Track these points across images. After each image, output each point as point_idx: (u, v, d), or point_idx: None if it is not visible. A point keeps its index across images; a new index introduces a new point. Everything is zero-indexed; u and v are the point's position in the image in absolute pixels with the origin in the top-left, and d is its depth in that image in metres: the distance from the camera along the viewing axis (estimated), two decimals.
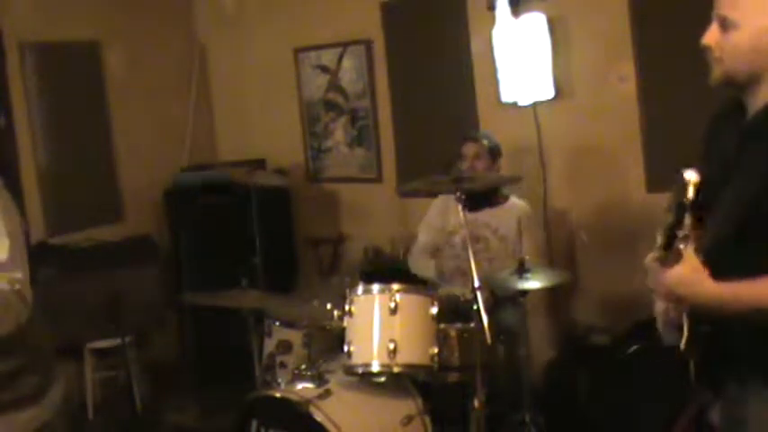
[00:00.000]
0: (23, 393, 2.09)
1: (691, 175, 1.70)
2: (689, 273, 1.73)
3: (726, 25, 1.82)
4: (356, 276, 4.68)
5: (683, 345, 1.84)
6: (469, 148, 3.92)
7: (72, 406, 4.75)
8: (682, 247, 1.73)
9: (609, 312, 4.34)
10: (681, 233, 1.72)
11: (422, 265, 4.09)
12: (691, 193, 1.69)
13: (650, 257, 1.88)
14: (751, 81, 1.84)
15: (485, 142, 3.95)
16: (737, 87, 1.87)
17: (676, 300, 1.80)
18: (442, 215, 4.07)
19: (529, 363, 3.68)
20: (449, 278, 3.98)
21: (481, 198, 3.88)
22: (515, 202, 4.01)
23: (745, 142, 1.84)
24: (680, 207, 1.71)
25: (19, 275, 2.02)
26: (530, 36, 4.24)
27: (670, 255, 1.75)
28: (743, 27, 1.80)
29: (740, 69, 1.83)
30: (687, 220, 1.71)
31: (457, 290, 3.55)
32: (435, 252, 4.08)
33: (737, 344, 1.82)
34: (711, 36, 1.86)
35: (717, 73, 1.87)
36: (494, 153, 3.96)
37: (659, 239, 1.79)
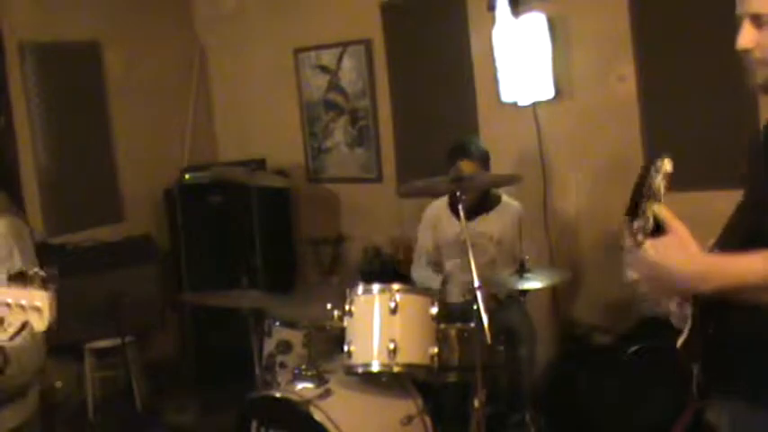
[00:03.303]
0: (11, 394, 2.13)
1: (665, 165, 1.61)
2: (679, 239, 1.60)
3: (761, 21, 1.65)
4: (356, 276, 4.69)
5: (679, 343, 1.76)
6: (467, 167, 3.77)
7: (72, 406, 4.77)
8: (660, 214, 1.60)
9: (609, 312, 4.33)
10: (638, 222, 1.63)
11: (424, 277, 4.02)
12: (659, 182, 1.60)
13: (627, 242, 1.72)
14: None
15: (474, 154, 3.84)
16: None
17: (658, 274, 1.63)
18: (434, 228, 4.05)
19: (530, 363, 3.68)
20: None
21: (475, 205, 3.86)
22: (508, 204, 3.99)
23: None
24: (639, 194, 1.62)
25: None
26: (530, 36, 4.24)
27: (645, 224, 1.63)
28: None
29: None
30: (647, 209, 1.61)
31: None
32: (436, 265, 4.05)
33: (740, 354, 1.71)
34: (748, 37, 1.67)
35: (762, 76, 1.68)
36: (484, 160, 3.89)
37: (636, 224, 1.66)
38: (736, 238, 1.70)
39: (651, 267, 1.63)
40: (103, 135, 5.37)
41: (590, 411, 3.71)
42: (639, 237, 1.62)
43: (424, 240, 4.10)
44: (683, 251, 1.60)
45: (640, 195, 1.63)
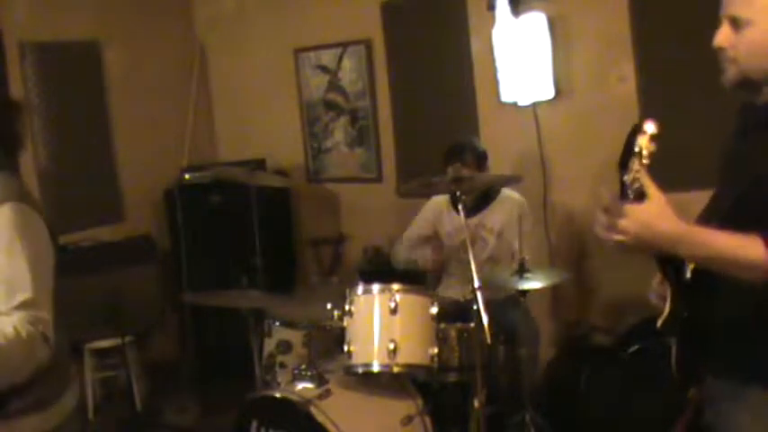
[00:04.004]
0: (32, 402, 2.04)
1: (650, 126, 1.74)
2: (658, 202, 1.72)
3: (738, 24, 1.78)
4: (356, 276, 4.69)
5: (659, 323, 1.87)
6: (460, 171, 3.69)
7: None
8: (643, 184, 1.72)
9: (610, 312, 4.34)
10: (628, 176, 1.74)
11: (402, 251, 4.12)
12: (644, 141, 1.73)
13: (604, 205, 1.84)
14: (765, 79, 1.80)
15: (468, 157, 3.83)
16: (752, 88, 1.82)
17: (639, 232, 1.73)
18: (434, 220, 4.07)
19: (530, 363, 3.68)
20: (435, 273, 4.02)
21: (475, 202, 3.88)
22: (508, 195, 4.00)
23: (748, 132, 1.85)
24: (629, 151, 1.74)
25: (44, 315, 1.95)
26: (530, 36, 4.24)
27: (630, 194, 1.75)
28: (757, 23, 1.76)
29: (757, 68, 1.79)
30: (634, 165, 1.73)
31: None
32: (421, 245, 4.10)
33: (715, 337, 1.83)
34: (724, 37, 1.81)
35: (731, 74, 1.82)
36: (480, 161, 3.88)
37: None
38: (717, 214, 1.83)
39: (633, 225, 1.74)
40: (103, 135, 5.37)
41: (590, 411, 3.71)
42: (628, 191, 1.75)
43: (418, 226, 4.14)
44: (663, 214, 1.72)
45: (629, 153, 1.74)
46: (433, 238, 4.08)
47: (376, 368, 2.97)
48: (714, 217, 1.82)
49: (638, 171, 1.72)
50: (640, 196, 1.73)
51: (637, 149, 1.72)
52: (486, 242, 3.93)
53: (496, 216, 3.94)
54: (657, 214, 1.71)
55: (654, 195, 1.72)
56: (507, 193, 4.00)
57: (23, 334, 1.89)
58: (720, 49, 1.83)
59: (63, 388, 2.14)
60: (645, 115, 4.07)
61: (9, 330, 1.88)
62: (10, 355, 1.88)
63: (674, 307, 1.86)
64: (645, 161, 1.72)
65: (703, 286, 1.81)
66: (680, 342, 1.90)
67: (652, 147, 1.73)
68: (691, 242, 1.71)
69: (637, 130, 1.74)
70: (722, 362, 1.84)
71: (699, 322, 1.84)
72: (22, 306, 1.92)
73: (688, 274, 1.84)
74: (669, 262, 1.85)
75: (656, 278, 1.95)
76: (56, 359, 2.05)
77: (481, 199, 3.94)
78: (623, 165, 1.75)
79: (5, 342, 1.87)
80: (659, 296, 1.92)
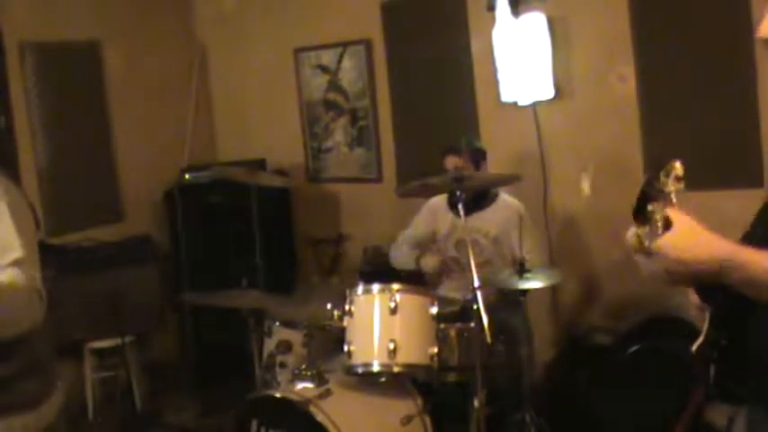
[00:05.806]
0: (22, 398, 2.05)
1: (678, 167, 1.54)
2: (686, 230, 1.52)
3: None
4: (356, 276, 4.69)
5: (694, 347, 1.72)
6: (450, 162, 3.86)
7: (72, 406, 4.76)
8: (667, 212, 1.53)
9: (610, 312, 4.34)
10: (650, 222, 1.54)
11: (402, 254, 4.10)
12: (672, 184, 1.53)
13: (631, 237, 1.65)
14: None
15: (463, 149, 3.89)
16: None
17: (680, 267, 1.53)
18: (432, 221, 4.07)
19: (529, 363, 3.68)
20: (438, 278, 4.01)
21: (471, 202, 3.86)
22: (506, 201, 3.99)
23: None
24: (651, 190, 1.55)
25: (35, 273, 1.98)
26: (530, 36, 4.24)
27: (653, 227, 1.55)
28: None
29: None
30: (657, 208, 1.54)
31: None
32: (418, 247, 4.09)
33: (756, 372, 1.65)
34: None
35: None
36: (476, 158, 3.91)
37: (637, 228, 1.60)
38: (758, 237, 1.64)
39: (671, 265, 1.53)
40: (103, 135, 5.37)
41: (590, 411, 3.71)
42: (647, 243, 1.55)
43: (416, 227, 4.14)
44: (696, 240, 1.52)
45: (649, 199, 1.55)
46: (431, 243, 4.07)
47: (376, 368, 2.98)
48: (760, 229, 1.67)
49: (661, 217, 1.53)
50: (666, 228, 1.53)
51: (666, 191, 1.53)
52: (482, 246, 3.90)
53: (493, 221, 3.92)
54: (688, 236, 1.52)
55: (679, 220, 1.52)
56: (505, 198, 3.99)
57: (19, 284, 1.90)
58: (766, 40, 1.60)
59: (51, 386, 2.15)
60: (645, 115, 4.12)
61: (3, 279, 1.89)
62: (11, 301, 1.89)
63: (712, 333, 1.69)
64: (673, 202, 1.53)
65: (748, 313, 1.62)
66: (717, 369, 1.71)
67: (680, 187, 1.54)
68: (734, 264, 1.49)
69: (657, 173, 1.54)
70: (757, 395, 1.66)
71: (739, 352, 1.66)
72: (15, 263, 1.94)
73: (730, 299, 1.63)
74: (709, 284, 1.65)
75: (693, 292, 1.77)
76: (42, 356, 2.09)
77: (477, 200, 3.92)
78: (640, 215, 1.56)
79: (4, 288, 1.88)
80: (698, 312, 1.75)
